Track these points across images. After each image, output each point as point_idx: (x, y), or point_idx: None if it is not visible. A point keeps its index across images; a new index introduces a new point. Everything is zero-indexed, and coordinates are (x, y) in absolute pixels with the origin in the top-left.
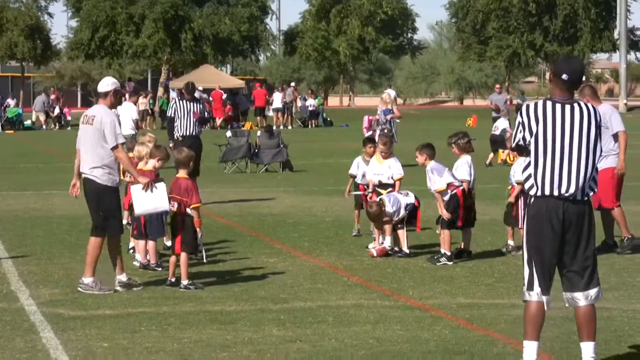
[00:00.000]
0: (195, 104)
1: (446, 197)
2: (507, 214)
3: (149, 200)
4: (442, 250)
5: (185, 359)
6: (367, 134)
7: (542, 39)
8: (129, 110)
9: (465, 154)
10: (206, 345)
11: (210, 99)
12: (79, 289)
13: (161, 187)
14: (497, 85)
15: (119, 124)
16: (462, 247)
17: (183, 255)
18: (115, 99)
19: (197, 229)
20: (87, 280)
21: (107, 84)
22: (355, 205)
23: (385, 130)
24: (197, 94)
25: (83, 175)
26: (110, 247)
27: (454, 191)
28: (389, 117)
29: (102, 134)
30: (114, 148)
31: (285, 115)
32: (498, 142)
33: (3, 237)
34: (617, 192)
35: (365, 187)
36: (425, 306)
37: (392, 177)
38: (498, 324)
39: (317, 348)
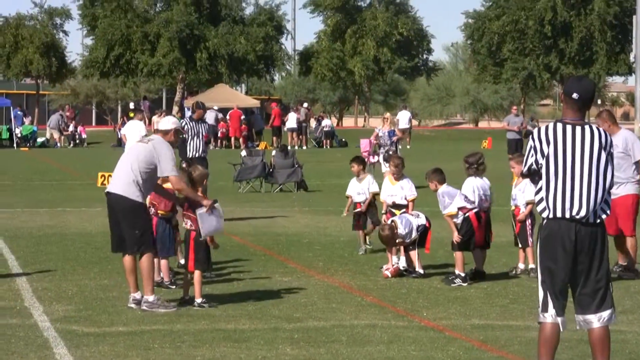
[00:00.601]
0: (202, 125)
1: (459, 220)
2: (516, 236)
3: (212, 221)
4: (457, 272)
5: None
6: (373, 160)
7: (558, 61)
8: (137, 128)
9: (474, 175)
10: None
11: (228, 117)
12: (144, 307)
13: (218, 206)
14: (514, 107)
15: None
16: (475, 268)
17: (196, 274)
18: (176, 137)
19: (210, 246)
20: (151, 298)
21: (169, 122)
22: (352, 227)
23: (391, 152)
24: (212, 114)
25: (114, 193)
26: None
27: (467, 214)
28: (394, 138)
29: (154, 158)
30: (173, 177)
31: (301, 136)
32: None
33: (17, 254)
34: (634, 220)
35: (362, 204)
36: (439, 327)
37: (405, 198)
38: (512, 345)
39: None
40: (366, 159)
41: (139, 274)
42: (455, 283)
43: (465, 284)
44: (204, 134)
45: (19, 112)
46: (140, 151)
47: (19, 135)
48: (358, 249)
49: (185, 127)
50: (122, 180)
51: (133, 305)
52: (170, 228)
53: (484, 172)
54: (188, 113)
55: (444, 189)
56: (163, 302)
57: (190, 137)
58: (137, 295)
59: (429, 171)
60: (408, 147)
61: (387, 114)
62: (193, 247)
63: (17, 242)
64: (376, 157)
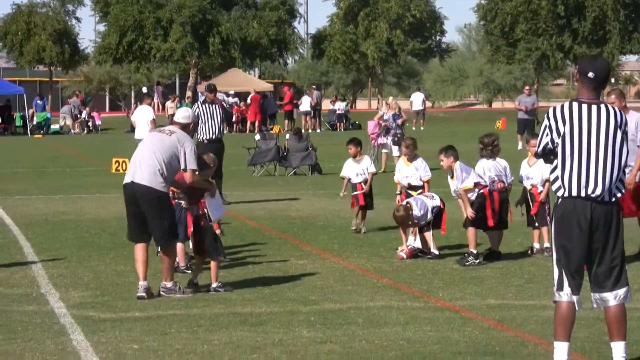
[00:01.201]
0: (215, 107)
1: (473, 196)
2: (530, 216)
3: (217, 206)
4: (470, 250)
5: None
6: (382, 141)
7: (571, 41)
8: (145, 113)
9: (481, 158)
10: (236, 347)
11: (249, 101)
12: (162, 293)
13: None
14: (527, 87)
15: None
16: (490, 248)
17: (213, 262)
18: (192, 131)
19: (217, 232)
20: (170, 284)
21: (187, 116)
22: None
23: (399, 136)
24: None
25: (139, 184)
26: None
27: (481, 190)
28: (399, 121)
29: (177, 149)
30: (191, 171)
31: (314, 119)
32: None
33: (33, 241)
34: None
35: (363, 185)
36: (455, 307)
37: (420, 179)
38: (528, 324)
39: (347, 349)
40: (373, 141)
41: (159, 262)
42: (468, 261)
43: (476, 261)
44: (219, 116)
45: (38, 102)
46: (164, 141)
47: (35, 123)
48: (353, 226)
49: (197, 111)
50: (147, 171)
51: (144, 294)
52: (185, 212)
53: (498, 154)
54: (202, 98)
55: (460, 164)
56: (182, 288)
57: (202, 121)
58: (146, 283)
59: (444, 147)
60: (422, 128)
61: (390, 99)
62: (201, 233)
63: (33, 229)
64: (384, 139)
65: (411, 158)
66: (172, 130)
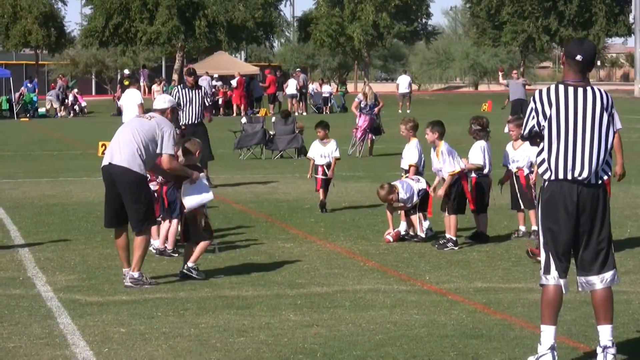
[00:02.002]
0: (196, 91)
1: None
2: (514, 199)
3: (196, 193)
4: (448, 236)
5: (203, 344)
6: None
7: (557, 23)
8: (133, 97)
9: (479, 139)
10: (223, 330)
11: (234, 84)
12: (129, 283)
13: (203, 177)
14: (514, 71)
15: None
16: (478, 230)
17: (202, 243)
18: (173, 115)
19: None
20: (137, 274)
21: (164, 100)
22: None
23: (377, 124)
24: (205, 82)
25: (118, 165)
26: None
27: (459, 176)
28: (376, 110)
29: (156, 134)
30: (167, 155)
31: (300, 102)
32: None
33: (19, 224)
34: None
35: (325, 167)
36: (442, 290)
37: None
38: (515, 307)
39: (334, 332)
40: (361, 134)
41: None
42: (447, 247)
43: (456, 248)
44: (199, 101)
45: (29, 85)
46: (143, 125)
47: (21, 104)
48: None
49: (177, 95)
50: (126, 153)
51: (129, 283)
52: (176, 193)
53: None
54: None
55: (447, 147)
56: (148, 279)
57: (183, 105)
58: (136, 273)
59: (432, 122)
60: (408, 111)
61: (366, 88)
62: (186, 219)
63: (19, 213)
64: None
65: (408, 139)
66: (151, 116)
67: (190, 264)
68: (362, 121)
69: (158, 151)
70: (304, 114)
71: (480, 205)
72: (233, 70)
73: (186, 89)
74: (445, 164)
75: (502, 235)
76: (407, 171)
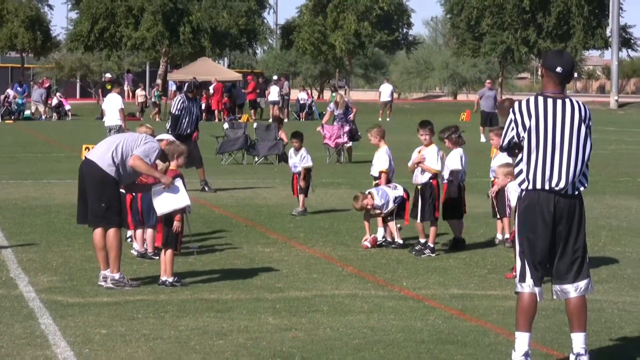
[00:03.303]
0: (195, 104)
1: (424, 180)
2: (494, 208)
3: (169, 198)
4: (427, 243)
5: (182, 346)
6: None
7: (536, 35)
8: (114, 101)
9: (457, 147)
10: (203, 333)
11: (211, 91)
12: (110, 284)
13: (179, 183)
14: (488, 81)
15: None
16: (455, 236)
17: (167, 252)
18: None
19: (176, 222)
20: (117, 275)
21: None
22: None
23: (353, 130)
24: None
25: (88, 158)
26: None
27: (431, 181)
28: (351, 116)
29: (137, 141)
30: (135, 156)
31: (284, 109)
32: None
33: (2, 225)
34: None
35: (298, 175)
36: (419, 296)
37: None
38: (490, 314)
39: (312, 336)
40: (332, 143)
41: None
42: (424, 254)
43: (433, 255)
44: (196, 112)
45: (18, 88)
46: (132, 135)
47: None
48: (294, 210)
49: (183, 104)
50: (100, 151)
51: (103, 283)
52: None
53: (463, 143)
54: (172, 86)
55: (437, 150)
56: (129, 281)
57: (184, 115)
58: (107, 272)
59: (425, 121)
60: (388, 119)
61: (338, 97)
62: (161, 224)
63: (2, 214)
64: (343, 138)
65: (378, 146)
66: (147, 135)
67: (169, 279)
68: (331, 130)
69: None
70: (285, 120)
71: (454, 212)
72: (216, 76)
73: (189, 101)
74: (431, 159)
75: (478, 242)
76: (377, 178)
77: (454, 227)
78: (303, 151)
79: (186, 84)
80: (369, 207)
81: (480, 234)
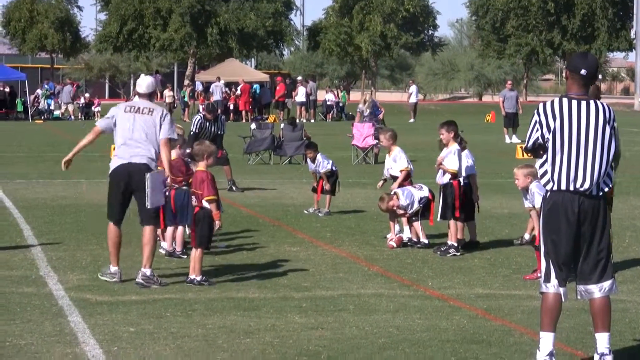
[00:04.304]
0: (215, 125)
1: (445, 180)
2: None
3: (159, 191)
4: (450, 242)
5: (210, 344)
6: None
7: (560, 37)
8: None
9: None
10: (230, 331)
11: (239, 92)
12: (140, 280)
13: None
14: (509, 82)
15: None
16: (470, 238)
17: (197, 251)
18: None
19: (216, 222)
20: (149, 272)
21: (149, 85)
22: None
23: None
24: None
25: (138, 163)
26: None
27: (451, 181)
28: (380, 116)
29: (156, 125)
30: (166, 140)
31: (309, 109)
32: None
33: (32, 224)
34: None
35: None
36: (444, 296)
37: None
38: (515, 314)
39: (338, 335)
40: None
41: (140, 247)
42: (449, 253)
43: (458, 254)
44: (216, 132)
45: (46, 86)
46: (147, 122)
47: (46, 108)
48: (309, 209)
49: (201, 124)
50: (144, 152)
51: (107, 278)
52: (188, 198)
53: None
54: (199, 87)
55: (456, 147)
56: (158, 279)
57: (202, 135)
58: (117, 269)
59: (447, 122)
60: (412, 120)
61: (367, 96)
62: (194, 223)
63: (32, 213)
64: (374, 140)
65: (389, 149)
66: (149, 108)
67: (197, 277)
68: (361, 129)
69: (160, 136)
70: (312, 121)
71: (469, 212)
72: (244, 77)
73: (208, 123)
74: (450, 161)
75: (503, 242)
76: (396, 178)
77: (468, 228)
78: (319, 157)
79: (205, 104)
80: (394, 207)
81: (505, 234)
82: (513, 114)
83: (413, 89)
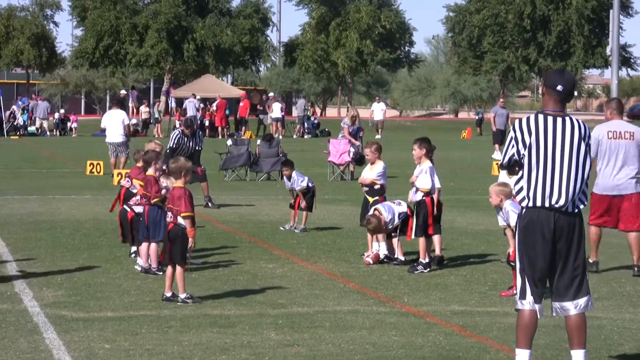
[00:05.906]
0: (193, 140)
1: (418, 198)
2: None
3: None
4: (420, 259)
5: None
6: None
7: (536, 54)
8: (117, 117)
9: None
10: (206, 348)
11: (214, 107)
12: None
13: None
14: (501, 99)
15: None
16: (437, 253)
17: (178, 269)
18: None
19: (189, 239)
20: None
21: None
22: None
23: (360, 150)
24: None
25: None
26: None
27: (424, 198)
28: (361, 134)
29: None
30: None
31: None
32: None
33: (8, 240)
34: None
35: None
36: (420, 313)
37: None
38: (491, 331)
39: (314, 352)
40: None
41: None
42: (417, 270)
43: (426, 271)
44: (194, 147)
45: (19, 103)
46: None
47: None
48: (285, 225)
49: (179, 139)
50: None
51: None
52: (161, 215)
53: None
54: (172, 102)
55: (431, 166)
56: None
57: (179, 151)
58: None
59: (420, 138)
60: (379, 136)
61: (352, 112)
62: (169, 240)
63: (8, 229)
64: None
65: (373, 161)
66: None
67: (181, 295)
68: (337, 146)
69: None
70: (280, 137)
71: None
72: (220, 93)
73: (186, 138)
74: (422, 180)
75: (479, 258)
76: (370, 187)
77: (434, 243)
78: (294, 175)
79: (182, 119)
80: (384, 223)
81: (481, 250)
82: (502, 131)
83: (375, 106)
